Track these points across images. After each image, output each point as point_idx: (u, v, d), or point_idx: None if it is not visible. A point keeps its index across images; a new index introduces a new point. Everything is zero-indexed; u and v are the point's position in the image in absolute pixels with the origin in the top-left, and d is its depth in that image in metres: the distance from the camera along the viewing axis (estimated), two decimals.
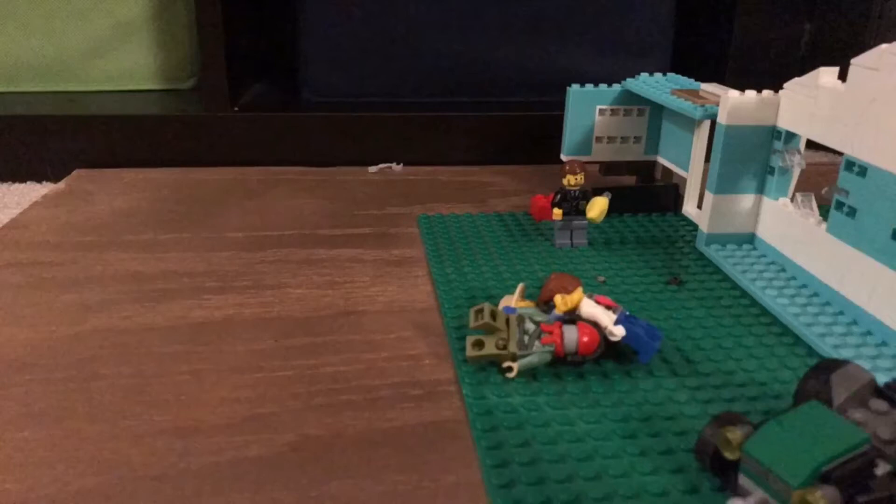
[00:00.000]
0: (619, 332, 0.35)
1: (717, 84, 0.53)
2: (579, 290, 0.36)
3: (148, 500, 0.28)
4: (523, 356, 0.34)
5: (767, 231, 0.48)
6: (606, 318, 0.35)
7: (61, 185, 0.65)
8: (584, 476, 0.28)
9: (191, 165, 0.70)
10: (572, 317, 0.36)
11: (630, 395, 0.33)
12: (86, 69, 0.79)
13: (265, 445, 0.31)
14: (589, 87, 0.57)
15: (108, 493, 0.28)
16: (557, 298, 0.36)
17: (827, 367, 0.29)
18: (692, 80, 0.57)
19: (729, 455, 0.26)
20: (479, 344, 0.34)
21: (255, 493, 0.28)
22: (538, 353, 0.34)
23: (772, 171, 0.47)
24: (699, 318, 0.40)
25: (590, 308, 0.35)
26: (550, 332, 0.34)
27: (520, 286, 0.39)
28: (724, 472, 0.27)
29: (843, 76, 0.42)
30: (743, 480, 0.26)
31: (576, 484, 0.28)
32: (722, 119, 0.46)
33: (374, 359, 0.37)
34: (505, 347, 0.34)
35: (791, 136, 0.45)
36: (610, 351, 0.36)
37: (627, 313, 0.36)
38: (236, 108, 0.72)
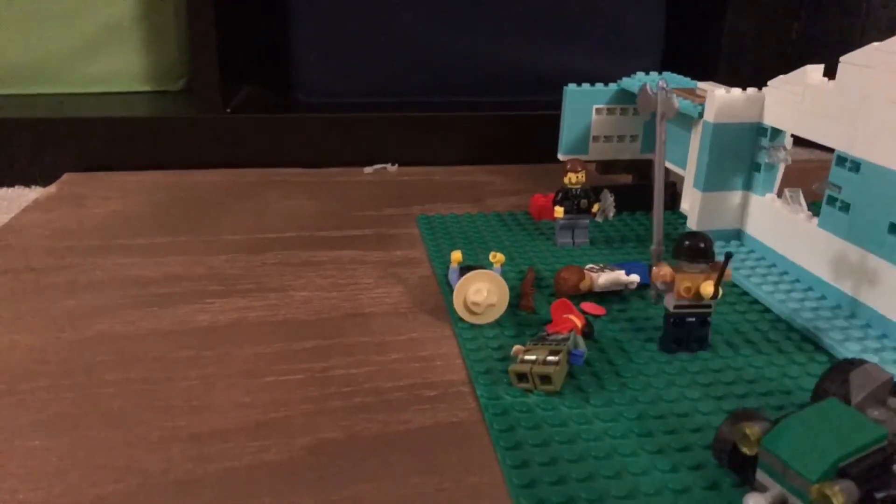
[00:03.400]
0: (634, 278, 0.42)
1: (712, 83, 0.53)
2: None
3: None
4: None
5: (755, 227, 0.48)
6: (620, 275, 0.42)
7: (52, 188, 0.64)
8: (606, 474, 0.28)
9: (183, 167, 0.69)
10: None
11: (643, 393, 0.33)
12: (73, 71, 0.78)
13: (282, 450, 0.30)
14: (585, 86, 0.57)
15: (126, 500, 0.28)
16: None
17: (845, 368, 0.29)
18: (688, 79, 0.57)
19: (747, 451, 0.26)
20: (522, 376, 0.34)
21: (276, 498, 0.28)
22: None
23: (758, 167, 0.47)
24: None
25: (604, 278, 0.42)
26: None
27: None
28: (741, 468, 0.28)
29: (828, 73, 0.42)
30: (760, 476, 0.26)
31: (598, 483, 0.28)
32: (709, 117, 0.46)
33: (384, 360, 0.37)
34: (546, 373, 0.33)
35: (777, 133, 0.46)
36: (620, 351, 0.36)
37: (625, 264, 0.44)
38: (229, 110, 0.71)
